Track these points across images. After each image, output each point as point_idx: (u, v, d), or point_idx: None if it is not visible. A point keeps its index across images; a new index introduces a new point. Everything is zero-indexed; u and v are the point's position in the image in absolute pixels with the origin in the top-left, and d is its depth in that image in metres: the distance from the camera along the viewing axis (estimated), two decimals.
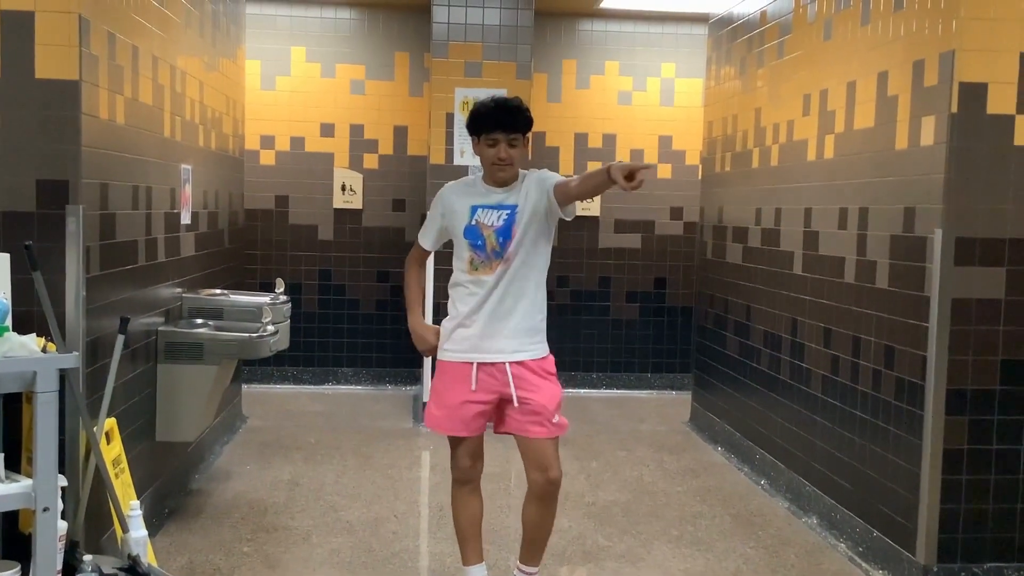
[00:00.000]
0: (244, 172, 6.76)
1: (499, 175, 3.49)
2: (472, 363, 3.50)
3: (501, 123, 3.44)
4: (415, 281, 3.76)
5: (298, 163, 7.84)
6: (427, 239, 3.72)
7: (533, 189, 3.49)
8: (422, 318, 3.73)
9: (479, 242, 3.48)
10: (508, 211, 3.49)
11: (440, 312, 6.40)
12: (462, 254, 3.54)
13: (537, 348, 3.55)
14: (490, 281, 3.48)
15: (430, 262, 6.52)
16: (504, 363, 3.49)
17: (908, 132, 4.04)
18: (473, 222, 3.50)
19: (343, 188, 7.89)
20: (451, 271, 3.63)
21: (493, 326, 3.50)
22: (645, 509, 5.00)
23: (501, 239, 3.47)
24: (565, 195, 3.42)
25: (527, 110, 3.51)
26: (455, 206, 3.54)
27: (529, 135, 3.53)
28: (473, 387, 3.49)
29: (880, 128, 4.28)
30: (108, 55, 3.75)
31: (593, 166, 7.95)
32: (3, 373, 2.86)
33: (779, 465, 5.29)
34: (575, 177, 3.46)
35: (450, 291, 3.61)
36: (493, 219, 3.49)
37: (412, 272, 3.77)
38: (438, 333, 3.64)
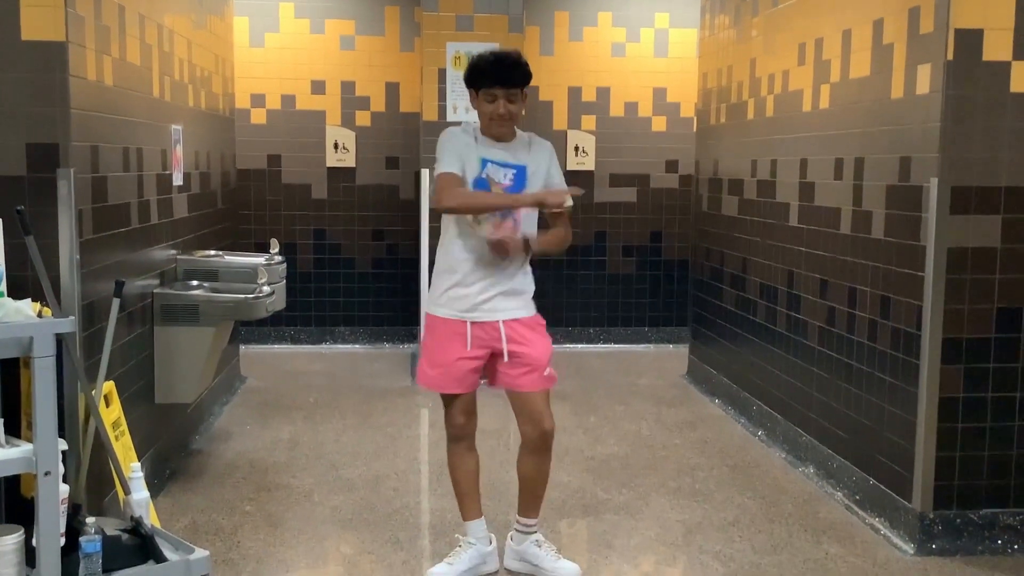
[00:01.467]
0: (235, 131, 6.71)
1: (497, 130, 3.47)
2: (466, 321, 3.50)
3: (500, 78, 3.40)
4: (471, 193, 3.44)
5: (289, 121, 7.78)
6: (456, 167, 3.43)
7: (543, 165, 3.54)
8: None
9: None
10: (515, 170, 3.48)
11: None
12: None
13: (530, 307, 3.59)
14: (496, 240, 3.44)
15: (425, 221, 6.54)
16: (503, 320, 3.50)
17: (904, 80, 4.01)
18: (483, 175, 3.46)
19: (336, 146, 7.84)
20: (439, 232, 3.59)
21: (494, 287, 3.49)
22: (643, 462, 5.04)
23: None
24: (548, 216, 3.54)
25: (526, 64, 3.48)
26: (466, 151, 3.46)
27: (526, 89, 3.50)
28: (468, 347, 3.49)
29: (875, 77, 4.25)
30: (94, 15, 3.70)
31: (587, 121, 7.95)
32: (0, 339, 2.85)
33: (776, 416, 5.32)
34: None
35: (446, 241, 3.55)
36: (501, 176, 3.47)
37: (461, 193, 3.42)
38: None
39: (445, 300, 3.54)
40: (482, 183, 3.46)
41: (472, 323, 3.50)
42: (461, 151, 3.47)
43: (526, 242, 3.47)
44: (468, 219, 3.48)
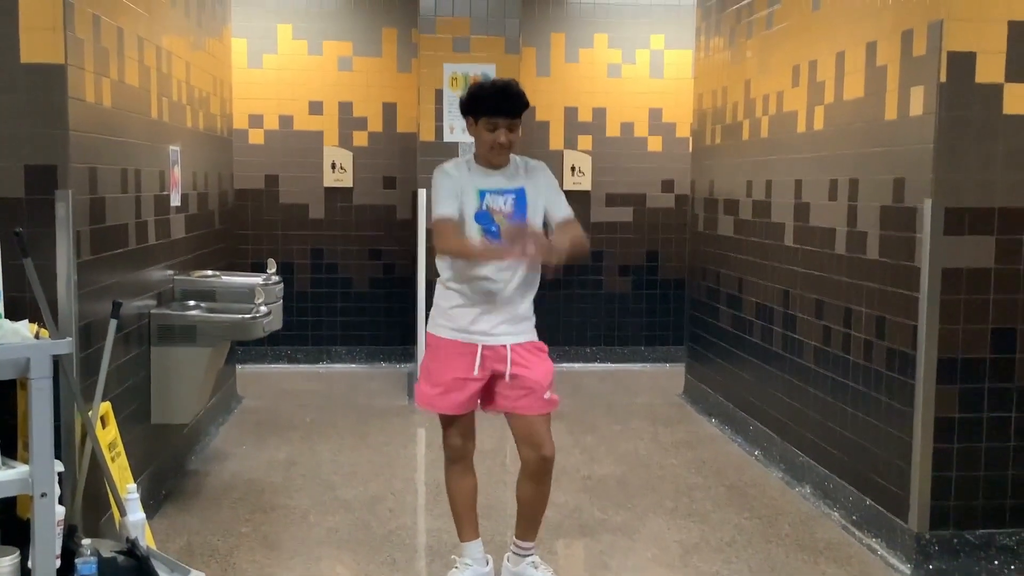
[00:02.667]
0: (233, 152, 6.73)
1: (496, 160, 3.48)
2: (476, 345, 3.48)
3: (503, 108, 3.42)
4: (465, 242, 3.42)
5: (287, 142, 7.81)
6: (454, 208, 3.43)
7: (543, 188, 3.54)
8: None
9: (492, 228, 3.44)
10: (514, 195, 3.49)
11: (433, 290, 6.41)
12: (470, 237, 3.45)
13: (533, 333, 3.59)
14: (503, 267, 3.45)
15: (421, 240, 6.56)
16: (505, 345, 3.50)
17: (897, 102, 4.04)
18: (484, 208, 3.46)
19: (333, 166, 7.87)
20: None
21: (502, 313, 3.49)
22: (640, 482, 5.03)
23: (515, 220, 3.46)
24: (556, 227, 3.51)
25: (524, 94, 3.50)
26: (464, 186, 3.47)
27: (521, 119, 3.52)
28: (475, 371, 3.48)
29: (869, 99, 4.28)
30: (93, 38, 3.72)
31: (583, 141, 7.98)
32: None
33: (772, 436, 5.32)
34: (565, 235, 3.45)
35: (449, 272, 3.53)
36: (501, 204, 3.47)
37: (456, 239, 3.42)
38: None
39: (448, 320, 3.53)
40: (483, 216, 3.47)
41: (483, 346, 3.48)
42: (455, 190, 3.46)
43: (549, 248, 3.31)
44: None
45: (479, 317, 3.49)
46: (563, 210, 3.59)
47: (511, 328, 3.51)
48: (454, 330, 3.53)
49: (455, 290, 3.52)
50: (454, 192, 3.46)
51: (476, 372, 3.49)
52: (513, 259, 3.39)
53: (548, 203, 3.57)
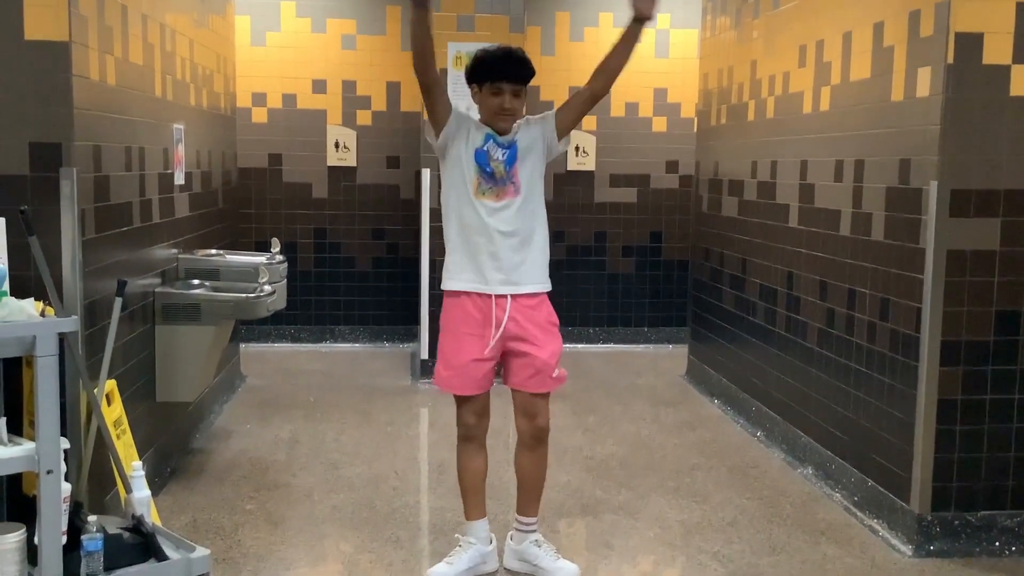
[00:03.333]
0: (236, 130, 6.72)
1: (500, 124, 3.50)
2: (490, 296, 3.50)
3: (507, 73, 3.44)
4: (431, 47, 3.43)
5: (290, 120, 7.79)
6: (456, 113, 3.52)
7: (535, 125, 3.57)
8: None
9: (487, 169, 3.49)
10: (509, 149, 3.53)
11: (436, 269, 6.41)
12: (467, 175, 3.49)
13: (544, 283, 3.60)
14: (501, 206, 3.48)
15: (425, 220, 6.55)
16: (512, 296, 3.50)
17: (904, 83, 4.03)
18: (484, 148, 3.49)
19: (336, 145, 7.85)
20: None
21: (509, 252, 3.50)
22: (642, 462, 5.05)
23: (507, 166, 3.50)
24: (602, 73, 3.56)
25: (530, 61, 3.53)
26: (470, 127, 3.52)
27: (526, 88, 3.53)
28: (492, 337, 3.49)
29: (876, 79, 4.26)
30: (97, 15, 3.71)
31: (587, 121, 7.93)
32: (3, 338, 2.86)
33: (775, 417, 5.33)
34: (598, 67, 3.57)
35: (449, 212, 3.55)
36: (499, 155, 3.51)
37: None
38: None
39: (458, 270, 3.55)
40: (482, 154, 3.50)
41: (495, 297, 3.49)
42: (461, 117, 3.52)
43: None
44: (471, 190, 3.49)
45: (485, 263, 3.50)
46: (565, 105, 3.61)
47: (515, 276, 3.52)
48: (466, 281, 3.53)
49: (460, 232, 3.53)
50: (463, 119, 3.52)
51: (493, 338, 3.49)
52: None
53: (540, 122, 3.57)
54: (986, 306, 3.83)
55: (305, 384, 6.67)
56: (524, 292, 3.54)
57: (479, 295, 3.53)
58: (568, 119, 3.59)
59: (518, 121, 3.59)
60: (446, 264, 3.62)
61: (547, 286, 3.63)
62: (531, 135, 3.57)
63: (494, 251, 3.50)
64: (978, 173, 3.77)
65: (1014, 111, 3.75)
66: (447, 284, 3.60)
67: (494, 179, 3.50)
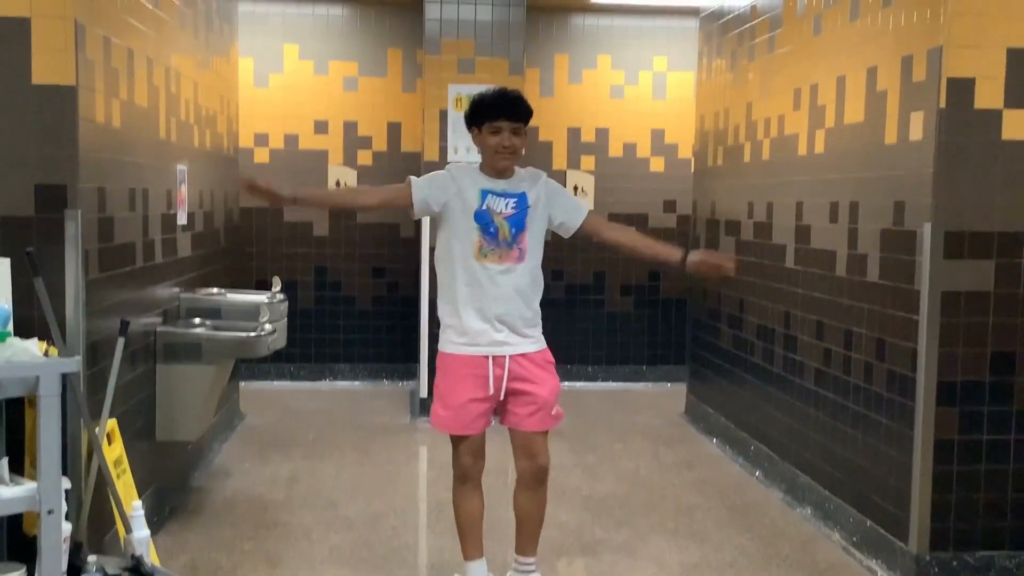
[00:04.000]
0: (238, 170, 6.78)
1: (501, 163, 3.52)
2: (487, 357, 3.52)
3: (505, 111, 3.49)
4: (349, 188, 3.58)
5: (292, 161, 7.86)
6: (422, 191, 3.52)
7: (544, 195, 3.60)
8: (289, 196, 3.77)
9: (491, 229, 3.50)
10: (516, 199, 3.54)
11: (436, 308, 6.44)
12: (468, 238, 3.51)
13: (540, 341, 3.64)
14: (503, 270, 3.51)
15: (425, 259, 6.59)
16: (511, 355, 3.53)
17: (897, 127, 4.09)
18: (484, 207, 3.51)
19: (338, 184, 7.91)
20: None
21: (508, 317, 3.53)
22: (642, 501, 5.05)
23: (514, 230, 3.52)
24: (611, 239, 3.75)
25: (527, 101, 3.58)
26: (464, 184, 3.53)
27: (526, 129, 3.58)
28: (490, 386, 3.52)
29: (870, 123, 4.33)
30: (104, 59, 3.77)
31: (586, 161, 8.02)
32: (6, 378, 2.90)
33: (773, 456, 5.34)
34: (630, 235, 3.81)
35: (448, 277, 3.57)
36: (502, 206, 3.52)
37: (363, 189, 3.56)
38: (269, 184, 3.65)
39: (458, 336, 3.56)
40: (483, 215, 3.51)
41: (493, 357, 3.52)
42: (440, 185, 3.54)
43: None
44: (472, 254, 3.52)
45: (485, 327, 3.52)
46: (577, 211, 3.68)
47: (517, 338, 3.55)
48: (462, 344, 3.55)
49: (459, 297, 3.53)
50: (437, 186, 3.54)
51: (491, 391, 3.52)
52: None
53: (561, 209, 3.63)
54: (981, 347, 3.86)
55: (304, 422, 6.68)
56: (523, 353, 3.57)
57: (481, 357, 3.55)
58: (577, 233, 3.68)
59: (526, 170, 3.63)
60: (445, 327, 3.61)
61: (543, 343, 3.66)
62: (539, 190, 3.59)
63: (497, 314, 3.51)
64: (971, 215, 3.82)
65: (1006, 154, 3.81)
66: (446, 348, 3.60)
67: (497, 240, 3.50)
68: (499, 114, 3.48)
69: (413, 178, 3.59)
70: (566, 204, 3.67)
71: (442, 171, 3.63)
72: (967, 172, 3.81)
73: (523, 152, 3.57)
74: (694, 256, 3.63)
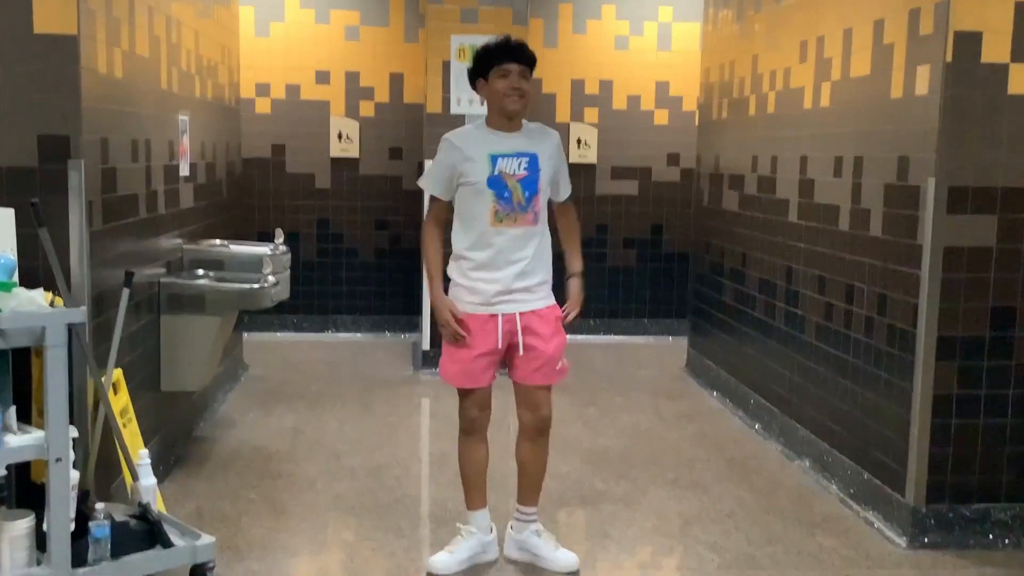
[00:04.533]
0: (240, 121, 6.75)
1: (512, 107, 3.49)
2: (496, 315, 3.54)
3: (512, 54, 3.47)
4: (434, 246, 3.58)
5: (294, 111, 7.83)
6: (440, 189, 3.57)
7: (554, 155, 3.61)
8: (443, 292, 3.59)
9: (505, 194, 3.49)
10: (527, 158, 3.53)
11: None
12: (483, 205, 3.50)
13: (551, 296, 3.67)
14: (519, 234, 3.52)
15: (427, 211, 6.59)
16: (521, 312, 3.56)
17: (903, 81, 4.06)
18: (496, 172, 3.50)
19: (339, 136, 7.89)
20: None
21: (522, 280, 3.55)
22: (642, 454, 5.10)
23: (528, 193, 3.52)
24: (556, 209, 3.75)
25: (530, 48, 3.57)
26: (470, 153, 3.51)
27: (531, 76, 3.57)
28: (499, 343, 3.54)
29: (876, 77, 4.30)
30: (105, 7, 3.74)
31: (589, 113, 7.98)
32: (13, 328, 2.91)
33: (773, 410, 5.38)
34: (569, 233, 3.83)
35: (463, 242, 3.57)
36: (515, 167, 3.50)
37: (431, 235, 3.58)
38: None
39: (469, 295, 3.57)
40: (496, 180, 3.50)
41: (503, 315, 3.54)
42: (450, 169, 3.53)
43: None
44: (487, 219, 3.51)
45: (496, 288, 3.53)
46: (565, 189, 3.72)
47: (528, 296, 3.58)
48: (473, 304, 3.56)
49: (471, 259, 3.55)
50: (446, 168, 3.54)
51: (499, 345, 3.55)
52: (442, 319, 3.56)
53: (556, 183, 3.67)
54: (982, 302, 3.87)
55: (307, 374, 6.72)
56: (534, 308, 3.60)
57: (490, 316, 3.57)
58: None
59: (535, 124, 3.62)
60: (455, 286, 3.61)
61: (553, 298, 3.69)
62: (552, 151, 3.60)
63: (512, 276, 3.53)
64: (976, 170, 3.81)
65: (1012, 109, 3.78)
66: (460, 306, 3.60)
67: (511, 204, 3.50)
68: (506, 57, 3.47)
69: (432, 193, 3.60)
70: (562, 181, 3.70)
71: (442, 149, 3.57)
72: (972, 127, 3.79)
73: (531, 97, 3.55)
74: (570, 286, 3.75)
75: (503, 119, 3.53)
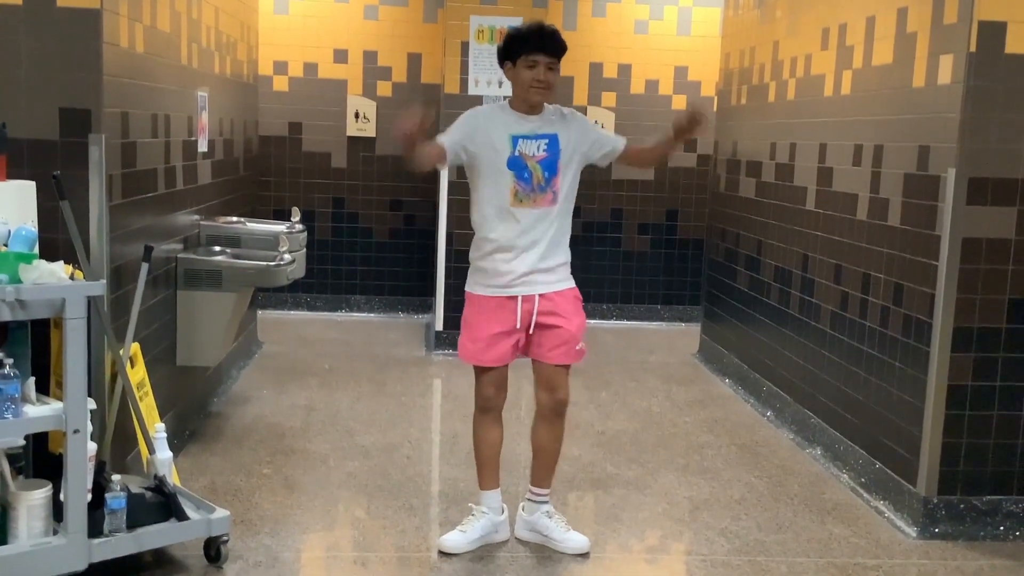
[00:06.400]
0: (258, 98, 6.76)
1: (535, 98, 3.51)
2: (516, 298, 3.55)
3: (542, 45, 3.47)
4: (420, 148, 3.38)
5: (311, 90, 7.83)
6: (449, 139, 3.50)
7: (575, 133, 3.60)
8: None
9: (525, 174, 3.51)
10: (547, 140, 3.54)
11: (454, 242, 6.46)
12: (502, 185, 3.51)
13: (569, 280, 3.68)
14: (538, 214, 3.54)
15: (443, 192, 6.60)
16: (540, 294, 3.57)
17: (926, 70, 4.04)
18: (516, 153, 3.51)
19: (356, 115, 7.88)
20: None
21: (541, 261, 3.56)
22: (653, 438, 5.11)
23: (547, 174, 3.53)
24: (635, 159, 3.79)
25: (563, 37, 3.56)
26: (493, 134, 3.52)
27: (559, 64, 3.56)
28: (518, 324, 3.55)
29: (898, 65, 4.27)
30: None
31: (607, 97, 7.95)
32: (34, 300, 2.94)
33: (785, 397, 5.38)
34: (647, 147, 3.76)
35: (483, 223, 3.59)
36: (534, 149, 3.52)
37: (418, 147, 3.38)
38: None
39: (489, 278, 3.58)
40: (516, 161, 3.51)
41: (522, 297, 3.55)
42: (470, 131, 3.52)
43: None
44: (507, 200, 3.52)
45: (517, 269, 3.54)
46: (616, 139, 3.74)
47: (548, 277, 3.59)
48: (492, 287, 3.58)
49: (491, 240, 3.56)
50: (468, 132, 3.52)
51: (518, 325, 3.56)
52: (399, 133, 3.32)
53: (594, 142, 3.66)
54: (999, 294, 3.85)
55: (321, 352, 6.75)
56: (555, 290, 3.61)
57: (509, 298, 3.58)
58: (627, 162, 3.82)
59: (556, 107, 3.61)
60: (474, 268, 3.63)
61: (572, 281, 3.70)
62: (574, 131, 3.59)
63: (532, 257, 3.54)
64: (996, 162, 3.79)
65: None
66: (475, 289, 3.62)
67: (531, 185, 3.51)
68: (536, 47, 3.46)
69: (439, 138, 3.54)
70: (599, 138, 3.70)
71: (471, 115, 3.58)
72: (994, 118, 3.76)
73: (556, 86, 3.55)
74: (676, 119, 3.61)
75: (525, 105, 3.54)
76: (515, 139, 3.51)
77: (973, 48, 3.72)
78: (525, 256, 3.55)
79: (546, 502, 3.75)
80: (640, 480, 4.49)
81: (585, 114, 7.86)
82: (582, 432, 5.12)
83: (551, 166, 3.53)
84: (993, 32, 3.70)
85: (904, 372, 4.14)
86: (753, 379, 5.90)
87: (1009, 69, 3.73)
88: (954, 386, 3.89)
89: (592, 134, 3.68)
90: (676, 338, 7.67)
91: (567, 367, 3.65)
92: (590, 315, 7.92)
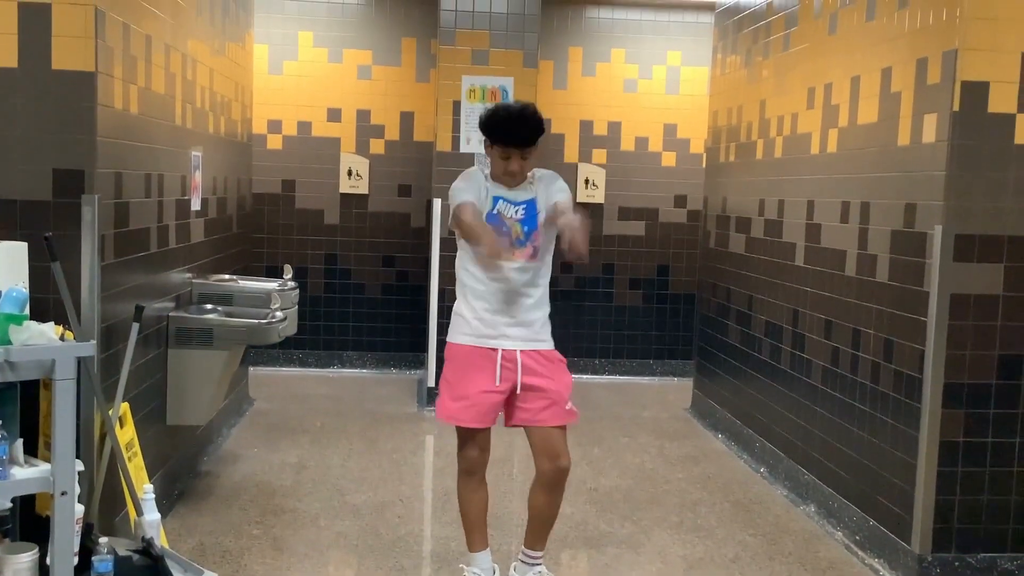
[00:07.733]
0: (252, 157, 6.81)
1: (507, 184, 3.60)
2: (496, 349, 3.56)
3: (516, 140, 3.51)
4: (477, 220, 3.43)
5: (305, 148, 7.89)
6: (472, 197, 3.53)
7: (546, 193, 3.62)
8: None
9: (504, 229, 3.55)
10: (524, 205, 3.60)
11: (446, 298, 6.47)
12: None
13: (549, 342, 3.67)
14: (517, 267, 3.56)
15: (435, 249, 6.64)
16: (521, 350, 3.57)
17: (910, 129, 4.10)
18: (495, 211, 3.57)
19: (349, 173, 7.94)
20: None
21: (520, 314, 3.57)
22: (646, 495, 5.08)
23: (526, 228, 3.57)
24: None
25: (540, 120, 3.58)
26: (481, 189, 3.58)
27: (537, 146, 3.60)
28: (497, 380, 3.55)
29: (883, 124, 4.33)
30: (123, 46, 3.80)
31: (598, 155, 8.04)
32: (23, 361, 2.93)
33: (778, 453, 5.36)
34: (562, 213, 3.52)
35: (464, 273, 3.63)
36: (512, 212, 3.58)
37: (472, 214, 3.44)
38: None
39: (470, 328, 3.60)
40: (493, 218, 3.56)
41: (502, 350, 3.55)
42: (476, 186, 3.59)
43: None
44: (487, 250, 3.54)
45: (498, 320, 3.56)
46: (563, 193, 3.61)
47: (528, 333, 3.59)
48: (473, 336, 3.59)
49: (474, 291, 3.58)
50: (475, 188, 3.58)
51: (498, 382, 3.55)
52: (493, 252, 3.36)
53: (550, 193, 3.61)
54: (989, 350, 3.87)
55: (312, 409, 6.72)
56: (534, 349, 3.61)
57: (490, 349, 3.58)
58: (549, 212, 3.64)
59: (533, 173, 3.65)
60: (457, 318, 3.64)
61: (552, 343, 3.69)
62: (548, 190, 3.62)
63: (510, 311, 3.56)
64: (982, 219, 3.83)
65: (1019, 159, 3.82)
66: (455, 338, 3.63)
67: (510, 239, 3.55)
68: (510, 142, 3.51)
69: (464, 198, 3.52)
70: (555, 189, 3.63)
71: (467, 176, 3.62)
72: (979, 175, 3.82)
73: (530, 167, 3.59)
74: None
75: (500, 182, 3.61)
76: (496, 199, 3.58)
77: (957, 108, 3.78)
78: (504, 305, 3.56)
79: (539, 563, 3.71)
80: (633, 538, 4.45)
81: (576, 171, 8.00)
82: (574, 489, 5.08)
83: (530, 222, 3.59)
84: (976, 92, 3.77)
85: (896, 428, 4.13)
86: (746, 434, 5.88)
87: (992, 128, 3.79)
88: (946, 442, 3.89)
89: (554, 194, 3.62)
90: (669, 393, 7.66)
91: (563, 429, 3.61)
92: (582, 370, 8.05)
